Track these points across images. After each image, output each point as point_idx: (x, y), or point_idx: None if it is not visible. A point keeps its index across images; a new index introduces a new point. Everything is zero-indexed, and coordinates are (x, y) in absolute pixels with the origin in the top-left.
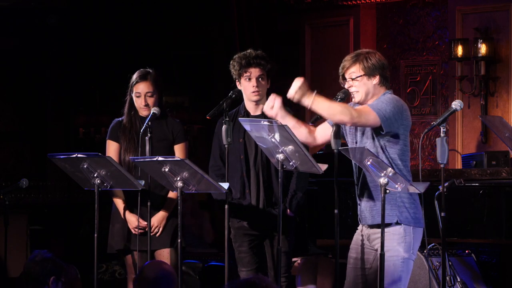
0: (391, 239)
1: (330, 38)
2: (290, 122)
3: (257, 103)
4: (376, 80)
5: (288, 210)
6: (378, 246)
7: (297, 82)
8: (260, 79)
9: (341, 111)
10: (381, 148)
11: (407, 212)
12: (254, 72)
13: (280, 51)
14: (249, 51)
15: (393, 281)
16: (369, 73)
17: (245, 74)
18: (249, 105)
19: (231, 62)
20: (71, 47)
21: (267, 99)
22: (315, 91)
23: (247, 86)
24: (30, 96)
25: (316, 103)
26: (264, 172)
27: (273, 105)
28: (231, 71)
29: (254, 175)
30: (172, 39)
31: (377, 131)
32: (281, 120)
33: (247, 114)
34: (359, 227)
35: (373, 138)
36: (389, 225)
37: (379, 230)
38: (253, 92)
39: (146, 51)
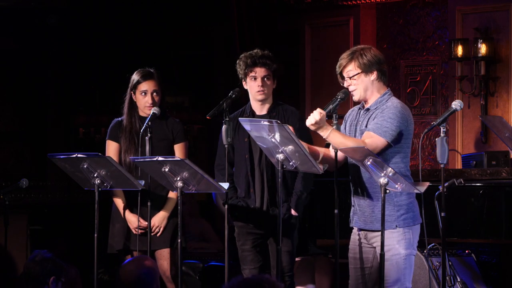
0: (390, 238)
1: (330, 38)
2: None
3: (263, 102)
4: (373, 76)
5: (293, 210)
6: (376, 244)
7: (317, 115)
8: (265, 79)
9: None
10: (384, 154)
11: (406, 213)
12: (260, 72)
13: (280, 51)
14: (255, 50)
15: (397, 279)
16: (366, 70)
17: (250, 74)
18: (255, 105)
19: (237, 62)
20: (71, 47)
21: (273, 99)
22: (334, 127)
23: (253, 86)
24: (30, 96)
25: (331, 136)
26: (268, 172)
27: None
28: (236, 71)
29: (258, 174)
30: (172, 39)
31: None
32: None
33: (252, 113)
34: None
35: None
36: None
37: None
38: (258, 91)
39: (146, 51)
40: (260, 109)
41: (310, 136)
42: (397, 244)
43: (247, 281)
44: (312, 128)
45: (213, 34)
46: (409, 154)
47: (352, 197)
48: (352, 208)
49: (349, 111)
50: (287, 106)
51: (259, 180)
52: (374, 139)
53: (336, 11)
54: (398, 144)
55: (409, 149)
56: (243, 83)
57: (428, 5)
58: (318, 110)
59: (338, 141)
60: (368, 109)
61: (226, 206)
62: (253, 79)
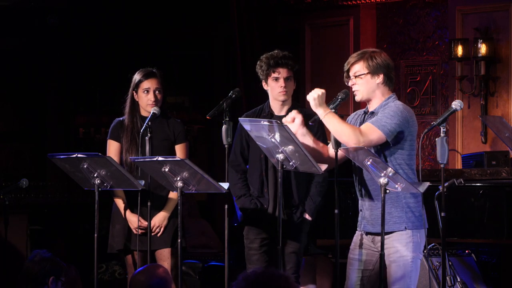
0: (398, 240)
1: (330, 38)
2: (309, 141)
3: (283, 103)
4: (380, 79)
5: (307, 214)
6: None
7: (318, 91)
8: (288, 79)
9: (349, 134)
10: (388, 155)
11: (414, 216)
12: (283, 72)
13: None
14: (276, 51)
15: (403, 282)
16: (373, 72)
17: (273, 74)
18: (275, 105)
19: (258, 63)
20: (71, 47)
21: (293, 99)
22: (332, 110)
23: (275, 86)
24: (30, 96)
25: (328, 117)
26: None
27: (292, 120)
28: (257, 72)
29: (272, 174)
30: (172, 39)
31: (383, 144)
32: (301, 138)
33: (271, 114)
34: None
35: (379, 145)
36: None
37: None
38: (281, 92)
39: (146, 51)
40: (279, 109)
41: (324, 135)
42: (405, 247)
43: (261, 276)
44: (312, 104)
45: (213, 34)
46: (414, 157)
47: (359, 202)
48: (360, 213)
49: (352, 114)
50: (306, 110)
51: (273, 181)
52: (370, 129)
53: (336, 11)
54: (398, 144)
55: (413, 151)
56: (263, 84)
57: (428, 5)
58: (318, 89)
59: (335, 124)
60: (372, 113)
61: (226, 206)
62: (275, 79)
